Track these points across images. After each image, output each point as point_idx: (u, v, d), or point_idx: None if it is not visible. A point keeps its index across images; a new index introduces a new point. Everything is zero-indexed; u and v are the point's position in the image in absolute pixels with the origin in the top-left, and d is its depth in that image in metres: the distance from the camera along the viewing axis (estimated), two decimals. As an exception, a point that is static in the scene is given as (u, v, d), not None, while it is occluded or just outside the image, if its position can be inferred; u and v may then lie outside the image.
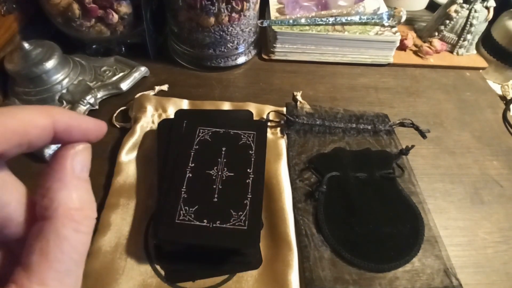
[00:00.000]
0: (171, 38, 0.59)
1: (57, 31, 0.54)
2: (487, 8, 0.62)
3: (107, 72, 0.53)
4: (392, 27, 0.61)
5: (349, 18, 0.60)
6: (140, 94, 0.51)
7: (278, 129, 0.48)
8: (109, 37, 0.54)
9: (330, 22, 0.59)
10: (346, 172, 0.44)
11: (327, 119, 0.50)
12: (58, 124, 0.15)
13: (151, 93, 0.52)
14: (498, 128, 0.54)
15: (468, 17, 0.62)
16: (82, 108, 0.48)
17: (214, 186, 0.37)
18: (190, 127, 0.42)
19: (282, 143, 0.47)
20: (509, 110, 0.57)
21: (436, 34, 0.66)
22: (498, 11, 0.64)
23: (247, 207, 0.36)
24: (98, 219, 0.38)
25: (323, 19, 0.59)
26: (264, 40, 0.64)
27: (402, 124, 0.52)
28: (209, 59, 0.57)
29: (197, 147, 0.40)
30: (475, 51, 0.67)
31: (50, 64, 0.47)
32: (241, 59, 0.59)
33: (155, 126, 0.47)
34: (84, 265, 0.14)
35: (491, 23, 0.65)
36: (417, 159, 0.48)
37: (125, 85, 0.52)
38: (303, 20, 0.58)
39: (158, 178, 0.40)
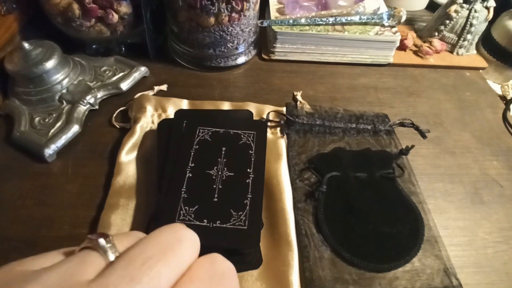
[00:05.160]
0: (171, 38, 0.59)
1: (57, 31, 0.54)
2: (487, 8, 0.62)
3: (107, 72, 0.53)
4: (392, 27, 0.61)
5: (349, 18, 0.60)
6: (139, 94, 0.51)
7: (278, 129, 0.48)
8: (109, 37, 0.54)
9: (330, 22, 0.59)
10: (346, 172, 0.44)
11: (327, 119, 0.50)
12: None
13: (150, 93, 0.52)
14: (498, 128, 0.54)
15: (468, 17, 0.62)
16: (82, 108, 0.48)
17: (214, 186, 0.37)
18: (190, 127, 0.42)
19: (282, 143, 0.47)
20: (509, 110, 0.57)
21: (436, 34, 0.66)
22: (498, 11, 0.64)
23: (247, 207, 0.36)
24: (97, 219, 0.38)
25: (323, 19, 0.59)
26: (264, 40, 0.63)
27: (402, 124, 0.52)
28: (209, 59, 0.57)
29: (197, 147, 0.40)
30: (475, 51, 0.67)
31: (50, 64, 0.47)
32: (241, 59, 0.59)
33: (155, 126, 0.47)
34: None
35: (491, 23, 0.65)
36: (417, 159, 0.48)
37: (125, 85, 0.52)
38: (303, 20, 0.58)
39: (158, 178, 0.40)
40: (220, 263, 0.16)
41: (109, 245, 0.14)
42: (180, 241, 0.15)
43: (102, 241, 0.14)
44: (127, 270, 0.13)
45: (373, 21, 0.61)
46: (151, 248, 0.14)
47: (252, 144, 0.41)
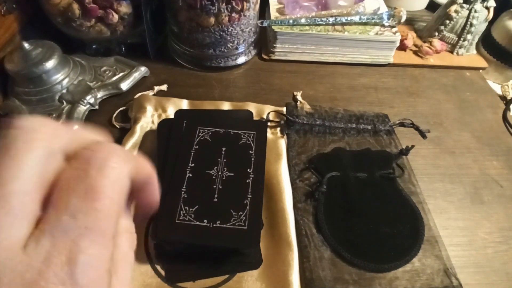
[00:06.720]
0: (171, 38, 0.59)
1: (57, 31, 0.54)
2: (487, 8, 0.62)
3: (107, 72, 0.53)
4: (392, 27, 0.61)
5: (349, 18, 0.60)
6: (139, 94, 0.51)
7: (278, 129, 0.48)
8: (109, 37, 0.54)
9: (330, 22, 0.59)
10: (346, 172, 0.44)
11: (327, 119, 0.50)
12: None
13: (150, 93, 0.52)
14: (498, 128, 0.54)
15: (468, 17, 0.62)
16: (82, 108, 0.48)
17: (214, 186, 0.37)
18: (190, 127, 0.42)
19: (282, 143, 0.47)
20: (509, 110, 0.57)
21: (436, 34, 0.66)
22: (498, 11, 0.64)
23: (247, 207, 0.36)
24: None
25: (323, 19, 0.59)
26: (264, 40, 0.63)
27: (402, 124, 0.52)
28: (209, 59, 0.57)
29: (197, 147, 0.40)
30: (475, 51, 0.67)
31: (50, 64, 0.47)
32: (241, 59, 0.59)
33: (155, 126, 0.47)
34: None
35: (491, 23, 0.65)
36: (417, 159, 0.48)
37: (125, 85, 0.52)
38: (303, 20, 0.58)
39: (158, 178, 0.40)
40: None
41: None
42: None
43: None
44: None
45: (373, 21, 0.61)
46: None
47: (252, 144, 0.41)
